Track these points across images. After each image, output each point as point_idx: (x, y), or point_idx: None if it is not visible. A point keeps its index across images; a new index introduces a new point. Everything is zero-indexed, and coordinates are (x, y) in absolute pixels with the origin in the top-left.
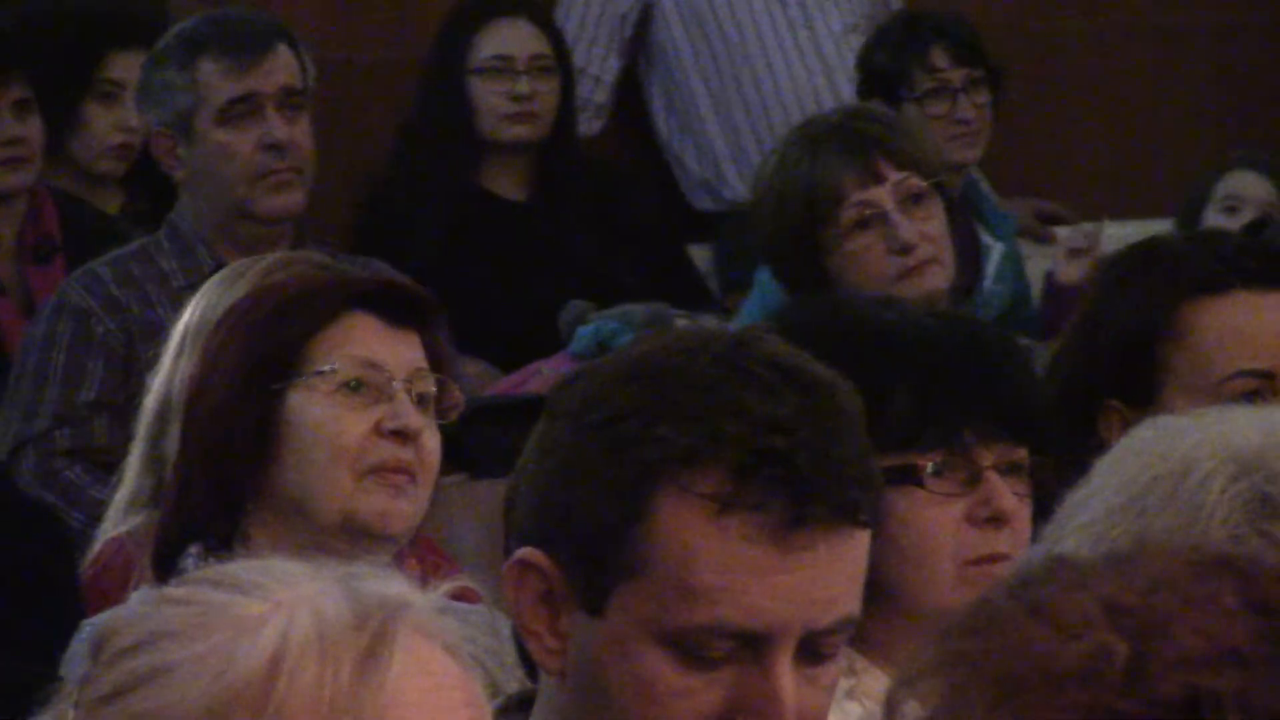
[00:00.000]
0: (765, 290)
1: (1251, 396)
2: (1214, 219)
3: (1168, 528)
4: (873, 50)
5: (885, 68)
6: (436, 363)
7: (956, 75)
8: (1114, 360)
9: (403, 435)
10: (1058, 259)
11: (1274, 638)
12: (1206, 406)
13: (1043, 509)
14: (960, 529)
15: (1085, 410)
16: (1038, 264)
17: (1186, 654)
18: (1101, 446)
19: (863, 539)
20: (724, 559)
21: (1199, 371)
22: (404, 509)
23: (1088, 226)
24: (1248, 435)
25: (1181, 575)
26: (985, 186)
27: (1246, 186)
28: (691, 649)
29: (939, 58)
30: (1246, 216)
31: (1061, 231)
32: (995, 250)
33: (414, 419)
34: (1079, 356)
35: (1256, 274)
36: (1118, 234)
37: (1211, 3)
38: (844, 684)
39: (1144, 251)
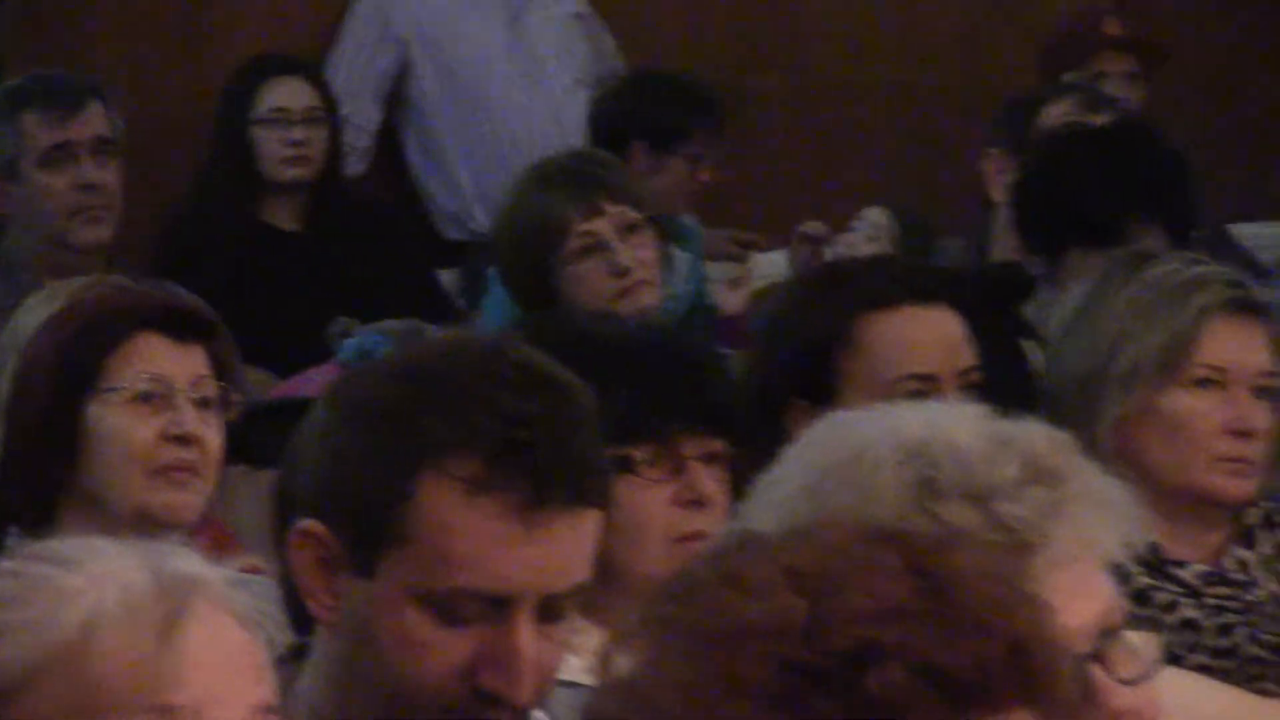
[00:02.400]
0: (500, 307)
1: (917, 397)
2: (844, 241)
3: (844, 506)
4: (600, 103)
5: (617, 120)
6: (219, 370)
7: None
8: (799, 365)
9: (184, 439)
10: (721, 290)
11: (930, 596)
12: (877, 401)
13: (738, 493)
14: (668, 510)
15: (774, 408)
16: (721, 281)
17: (856, 611)
18: (788, 439)
19: (595, 518)
20: (475, 533)
21: (872, 375)
22: (189, 501)
23: (747, 264)
24: (914, 427)
25: (852, 544)
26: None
27: (874, 221)
28: (445, 609)
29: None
30: (861, 240)
31: (718, 267)
32: (683, 259)
33: (193, 425)
34: (769, 362)
35: (922, 291)
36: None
37: (891, 62)
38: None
39: (826, 271)
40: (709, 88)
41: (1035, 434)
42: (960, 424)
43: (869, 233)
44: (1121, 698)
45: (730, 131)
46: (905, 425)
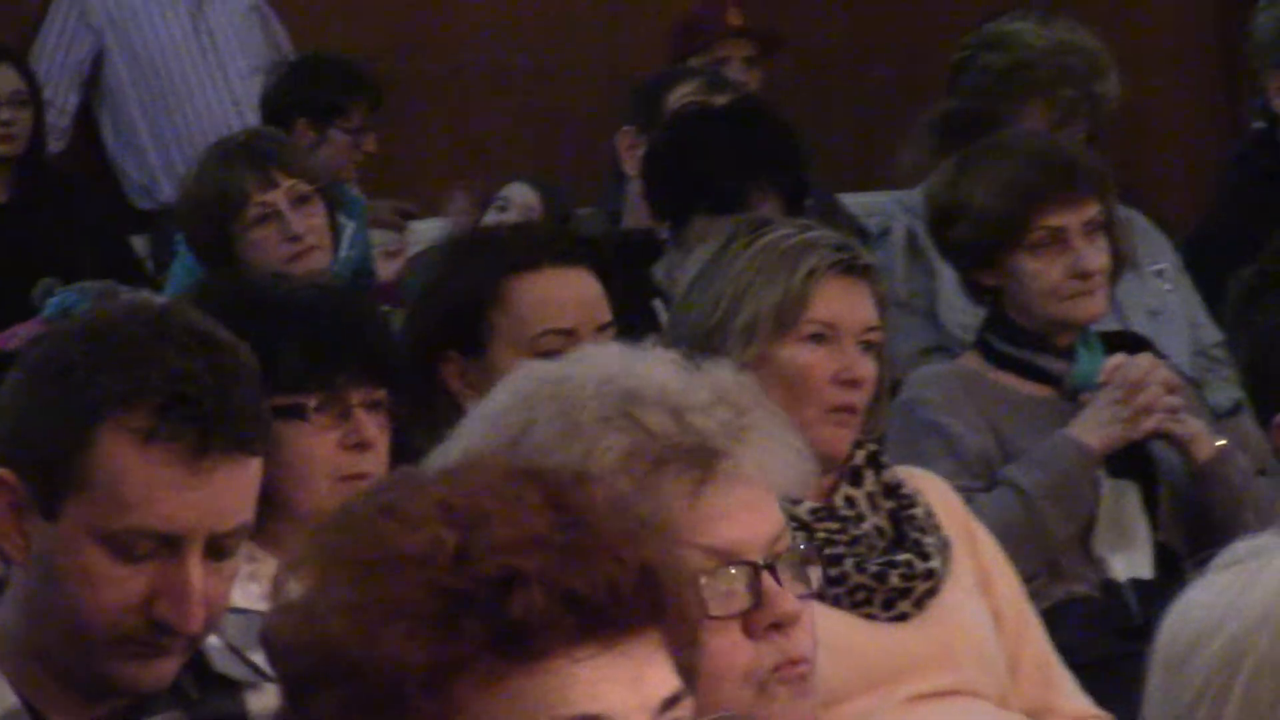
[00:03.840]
0: (187, 269)
1: (559, 350)
2: (491, 215)
3: (549, 417)
4: (270, 85)
5: (283, 100)
6: None
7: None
8: (452, 321)
9: None
10: (379, 258)
11: (568, 528)
12: (524, 356)
13: (397, 435)
14: (335, 452)
15: (430, 360)
16: (383, 248)
17: (500, 541)
18: (445, 388)
19: (256, 465)
20: (147, 478)
21: (518, 329)
22: None
23: (397, 235)
24: (611, 362)
25: (498, 481)
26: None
27: (517, 193)
28: (121, 547)
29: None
30: (512, 216)
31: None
32: (349, 227)
33: None
34: (426, 318)
35: (562, 254)
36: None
37: (533, 47)
38: (246, 568)
39: (475, 236)
40: (364, 69)
41: (723, 371)
42: (655, 361)
43: (519, 205)
44: (789, 603)
45: (389, 111)
46: (605, 359)
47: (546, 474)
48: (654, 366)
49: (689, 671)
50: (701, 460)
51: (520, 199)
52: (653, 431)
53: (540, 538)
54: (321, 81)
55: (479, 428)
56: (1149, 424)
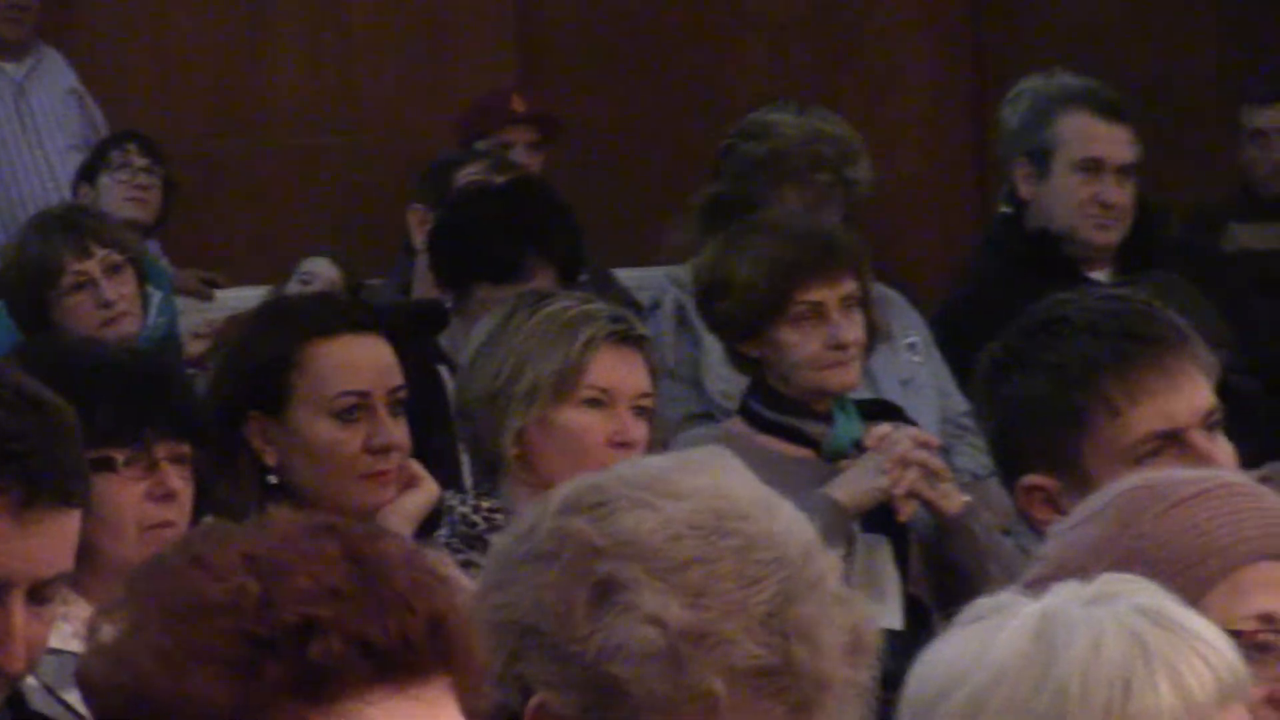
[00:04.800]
0: (7, 333)
1: (355, 410)
2: (293, 287)
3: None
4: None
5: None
6: None
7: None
8: (254, 382)
9: None
10: (186, 339)
11: (362, 579)
12: (321, 416)
13: (200, 488)
14: (141, 502)
15: (233, 419)
16: (193, 316)
17: (300, 591)
18: (247, 445)
19: (78, 516)
20: None
21: (316, 391)
22: None
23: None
24: None
25: (298, 535)
26: (155, 250)
27: (320, 267)
28: None
29: (133, 155)
30: (316, 288)
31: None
32: (156, 296)
33: None
34: (230, 379)
35: (357, 322)
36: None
37: (335, 129)
38: (59, 610)
39: (277, 304)
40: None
41: None
42: None
43: (324, 279)
44: None
45: (199, 185)
46: None
47: (343, 528)
48: None
49: (473, 715)
50: None
51: (325, 273)
52: None
53: (337, 588)
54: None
55: None
56: (904, 485)
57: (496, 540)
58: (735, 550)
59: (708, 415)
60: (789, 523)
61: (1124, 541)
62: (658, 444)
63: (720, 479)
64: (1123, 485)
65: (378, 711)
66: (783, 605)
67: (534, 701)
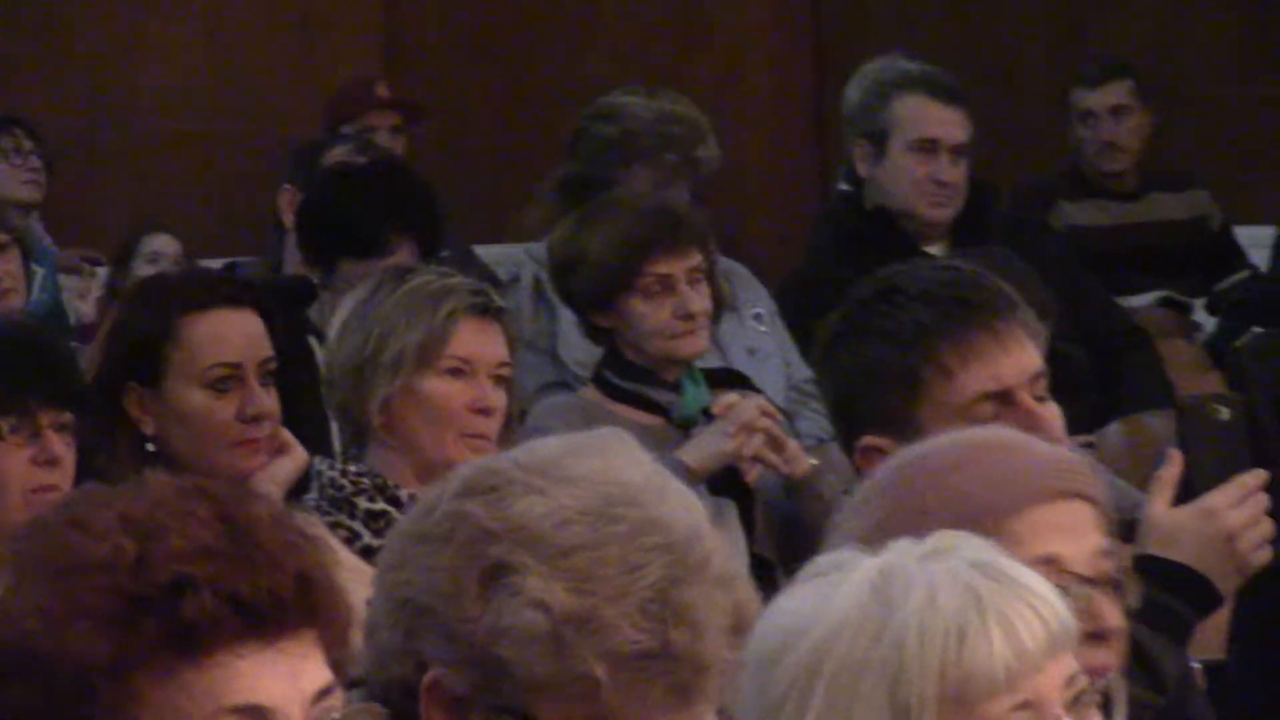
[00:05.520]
0: None
1: (228, 381)
2: (141, 265)
3: None
4: None
5: None
6: None
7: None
8: (133, 356)
9: None
10: (73, 303)
11: (234, 539)
12: (196, 388)
13: (82, 455)
14: (27, 468)
15: (113, 390)
16: (73, 291)
17: (175, 551)
18: (126, 416)
19: None
20: None
21: (190, 364)
22: None
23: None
24: None
25: (172, 497)
26: (39, 230)
27: (162, 244)
28: None
29: (22, 139)
30: (161, 266)
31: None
32: (40, 273)
33: None
34: (109, 353)
35: (230, 297)
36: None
37: (208, 115)
38: None
39: (155, 280)
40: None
41: None
42: None
43: (170, 255)
44: None
45: (80, 168)
46: None
47: (215, 491)
48: None
49: (339, 667)
50: None
51: (169, 250)
52: None
53: (209, 548)
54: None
55: None
56: (751, 449)
57: (399, 520)
58: (621, 536)
59: (563, 384)
60: (677, 507)
61: (905, 518)
62: (516, 412)
63: (613, 463)
64: (890, 465)
65: (247, 664)
66: (664, 590)
67: (428, 677)
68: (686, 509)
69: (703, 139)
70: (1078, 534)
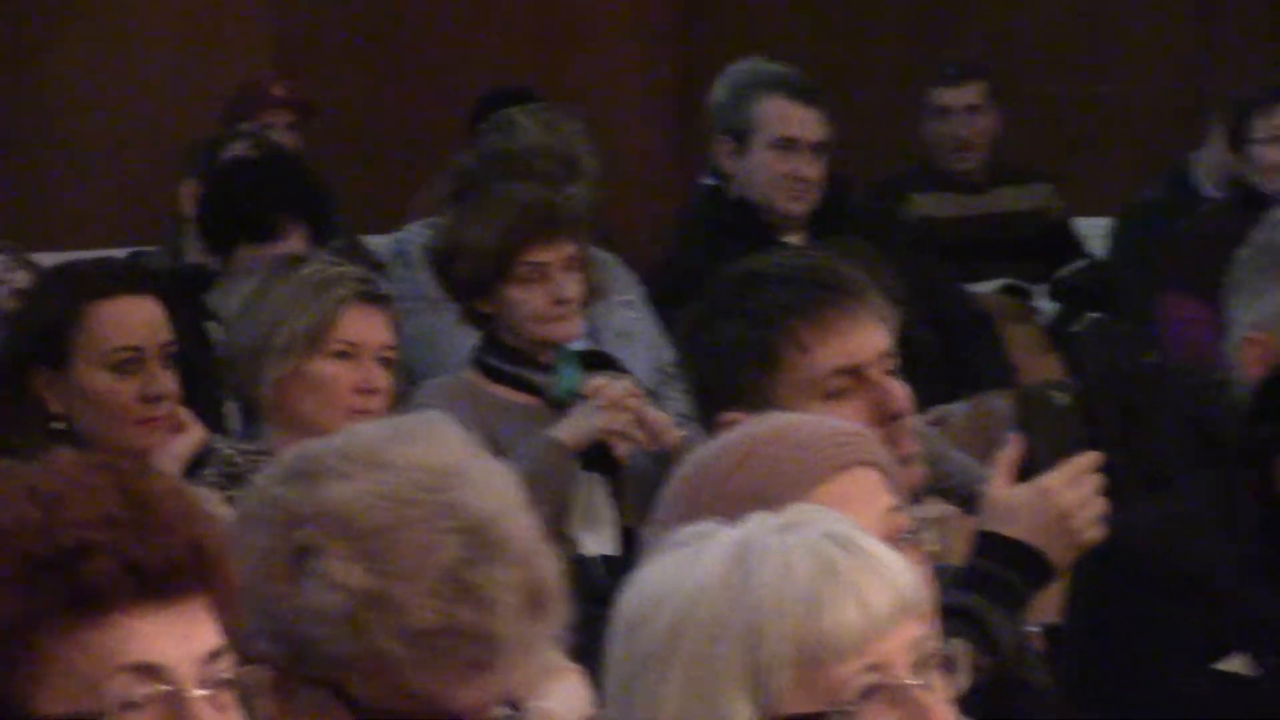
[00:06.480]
0: None
1: (130, 365)
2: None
3: None
4: None
5: None
6: None
7: None
8: (40, 340)
9: None
10: None
11: (132, 508)
12: (101, 371)
13: None
14: None
15: (21, 373)
16: None
17: (76, 518)
18: (34, 397)
19: None
20: None
21: (94, 348)
22: None
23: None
24: None
25: (75, 469)
26: None
27: None
28: None
29: None
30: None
31: None
32: None
33: None
34: (18, 338)
35: (132, 284)
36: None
37: (113, 115)
38: None
39: (62, 269)
40: None
41: None
42: None
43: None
44: None
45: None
46: None
47: (116, 464)
48: None
49: (232, 632)
50: None
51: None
52: None
53: (110, 516)
54: None
55: None
56: (620, 427)
57: (237, 501)
58: (417, 519)
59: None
60: (482, 491)
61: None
62: (399, 391)
63: (425, 448)
64: (684, 470)
65: (143, 625)
66: (456, 571)
67: (253, 652)
68: (491, 491)
69: (576, 178)
70: (867, 501)
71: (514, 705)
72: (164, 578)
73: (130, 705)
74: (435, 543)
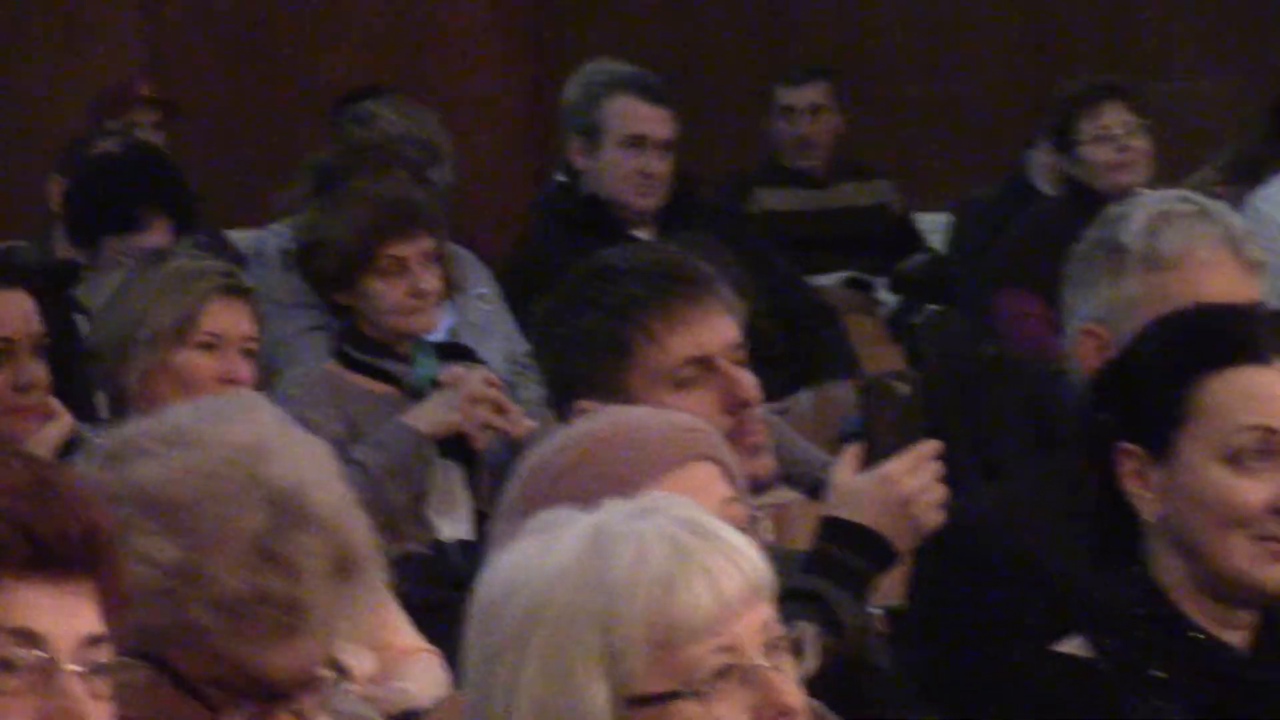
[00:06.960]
0: None
1: (2, 354)
2: None
3: None
4: None
5: None
6: None
7: None
8: None
9: None
10: None
11: (36, 484)
12: None
13: None
14: None
15: None
16: None
17: None
18: None
19: None
20: None
21: None
22: None
23: None
24: None
25: None
26: None
27: None
28: None
29: None
30: None
31: None
32: None
33: None
34: None
35: (3, 278)
36: None
37: (59, 113)
38: None
39: None
40: None
41: None
42: None
43: None
44: None
45: None
46: None
47: (29, 453)
48: None
49: (115, 626)
50: None
51: None
52: None
53: (13, 487)
54: None
55: None
56: (476, 417)
57: None
58: (225, 492)
59: (320, 327)
60: (289, 462)
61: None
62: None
63: (236, 425)
64: (521, 473)
65: (30, 593)
66: (262, 539)
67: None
68: (298, 462)
69: (438, 162)
70: (703, 495)
71: (338, 667)
72: (56, 551)
73: (5, 665)
74: (241, 514)
